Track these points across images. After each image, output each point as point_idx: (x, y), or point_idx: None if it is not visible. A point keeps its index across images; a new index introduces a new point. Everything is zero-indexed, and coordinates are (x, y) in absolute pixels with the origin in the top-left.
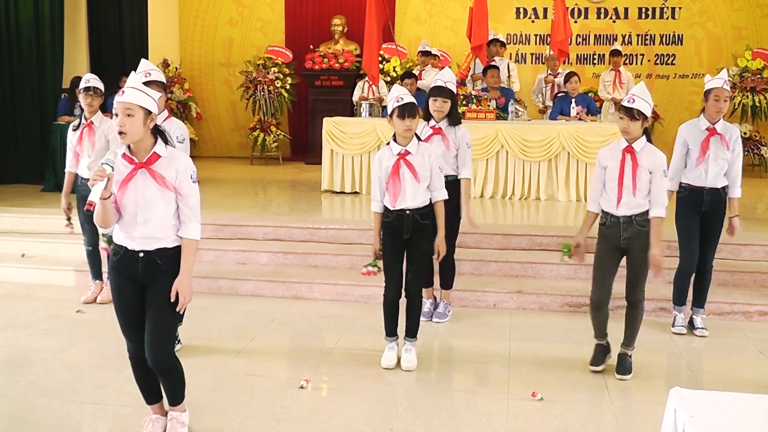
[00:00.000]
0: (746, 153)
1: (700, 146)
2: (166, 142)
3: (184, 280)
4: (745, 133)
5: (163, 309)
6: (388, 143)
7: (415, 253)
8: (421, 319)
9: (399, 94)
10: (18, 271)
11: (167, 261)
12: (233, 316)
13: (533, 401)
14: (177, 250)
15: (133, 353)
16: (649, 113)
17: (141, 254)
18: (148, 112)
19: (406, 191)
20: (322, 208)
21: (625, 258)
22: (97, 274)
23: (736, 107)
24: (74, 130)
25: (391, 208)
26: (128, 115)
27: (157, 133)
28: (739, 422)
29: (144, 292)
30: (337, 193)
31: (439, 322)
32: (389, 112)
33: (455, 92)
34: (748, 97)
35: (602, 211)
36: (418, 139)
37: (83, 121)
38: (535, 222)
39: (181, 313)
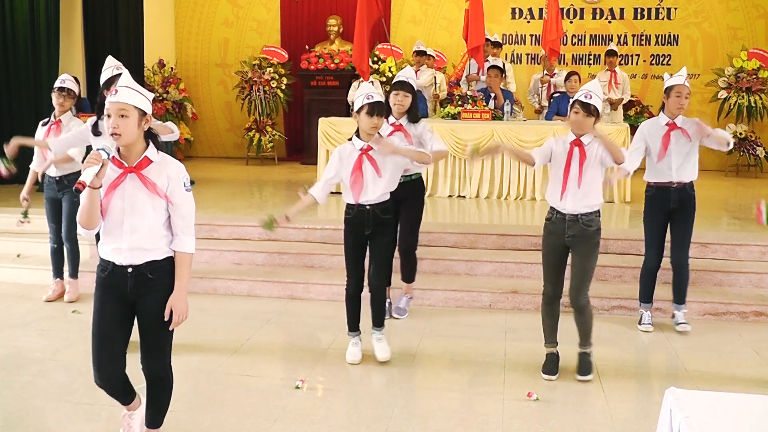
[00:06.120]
0: (742, 153)
1: (661, 141)
2: (158, 146)
3: (178, 297)
4: (740, 134)
5: (157, 328)
6: (350, 139)
7: (376, 247)
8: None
9: (369, 92)
10: (13, 271)
11: (159, 275)
12: (229, 317)
13: (529, 401)
14: (168, 261)
15: (99, 385)
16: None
17: (129, 269)
18: (143, 113)
19: (368, 186)
20: (318, 209)
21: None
22: (58, 272)
23: (731, 108)
24: (43, 125)
25: (353, 203)
26: (122, 116)
27: (149, 136)
28: (735, 422)
29: (132, 311)
30: (332, 193)
31: (399, 318)
32: (357, 107)
33: (415, 90)
34: (743, 97)
35: (550, 206)
36: (380, 136)
37: (52, 118)
38: (531, 222)
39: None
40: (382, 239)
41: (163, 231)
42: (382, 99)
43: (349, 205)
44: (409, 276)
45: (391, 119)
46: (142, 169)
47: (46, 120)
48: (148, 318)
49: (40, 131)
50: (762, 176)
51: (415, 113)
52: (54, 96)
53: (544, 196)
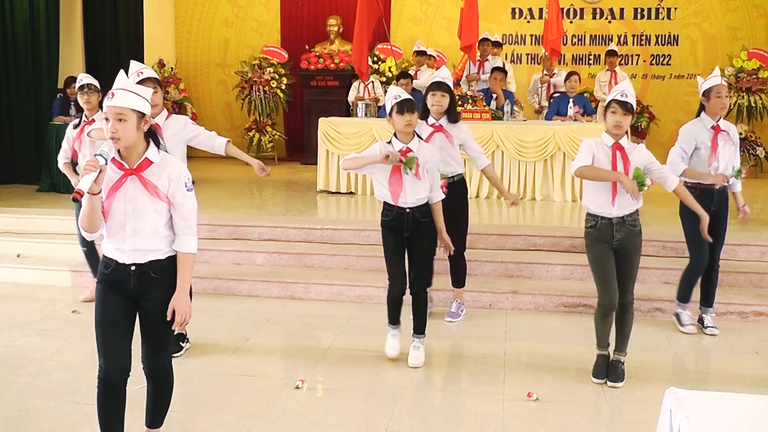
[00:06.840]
0: (742, 153)
1: (711, 144)
2: (158, 145)
3: (180, 297)
4: (741, 134)
5: (159, 327)
6: (389, 141)
7: (416, 251)
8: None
9: (396, 93)
10: (13, 271)
11: (161, 273)
12: (229, 317)
13: (529, 401)
14: (171, 260)
15: (105, 375)
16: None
17: (133, 267)
18: (142, 115)
19: (406, 189)
20: (318, 209)
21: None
22: (97, 272)
23: (731, 108)
24: (75, 128)
25: (392, 204)
26: (120, 120)
27: (150, 136)
28: (735, 422)
29: (134, 306)
30: (332, 193)
31: (452, 322)
32: (388, 110)
33: (453, 90)
34: (743, 97)
35: (589, 214)
36: (419, 138)
37: (84, 119)
38: (531, 222)
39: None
40: (422, 244)
41: (165, 231)
42: (410, 96)
43: (387, 206)
44: (459, 281)
45: (431, 120)
46: (142, 171)
47: (77, 122)
48: (150, 317)
49: (72, 133)
50: (762, 176)
51: (454, 114)
52: (79, 97)
53: (545, 196)
